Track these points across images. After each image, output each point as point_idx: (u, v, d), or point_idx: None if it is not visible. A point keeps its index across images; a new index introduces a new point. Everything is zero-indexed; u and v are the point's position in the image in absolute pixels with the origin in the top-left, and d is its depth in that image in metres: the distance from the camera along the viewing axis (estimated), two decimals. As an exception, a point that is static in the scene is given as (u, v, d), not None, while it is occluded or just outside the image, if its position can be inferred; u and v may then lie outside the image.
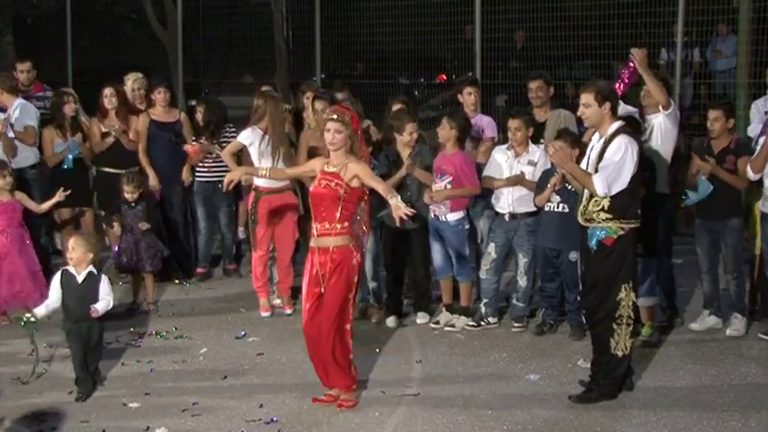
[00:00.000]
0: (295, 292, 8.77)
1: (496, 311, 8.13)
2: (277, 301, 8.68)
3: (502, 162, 7.96)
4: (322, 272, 6.21)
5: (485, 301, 8.10)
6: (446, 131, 7.97)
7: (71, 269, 6.66)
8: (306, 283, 6.34)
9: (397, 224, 6.20)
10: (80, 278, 6.62)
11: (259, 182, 8.34)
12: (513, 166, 7.89)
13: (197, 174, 9.48)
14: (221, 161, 9.30)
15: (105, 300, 6.62)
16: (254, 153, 8.23)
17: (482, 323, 8.05)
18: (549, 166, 7.79)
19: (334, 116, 6.20)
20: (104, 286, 6.66)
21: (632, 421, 6.09)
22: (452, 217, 7.98)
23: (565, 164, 6.46)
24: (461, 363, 7.22)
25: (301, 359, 6.80)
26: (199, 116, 9.44)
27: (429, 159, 8.07)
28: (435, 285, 8.55)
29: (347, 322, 6.30)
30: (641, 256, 7.31)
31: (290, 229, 8.51)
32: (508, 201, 7.92)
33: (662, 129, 7.59)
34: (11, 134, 9.10)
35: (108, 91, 9.40)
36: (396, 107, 8.41)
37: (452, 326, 8.02)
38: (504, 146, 8.10)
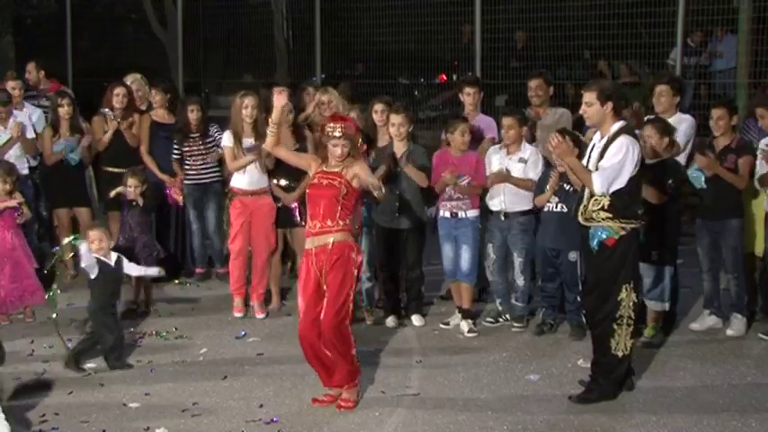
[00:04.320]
0: (283, 293, 8.82)
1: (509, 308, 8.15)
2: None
3: (494, 161, 7.97)
4: (318, 269, 6.20)
5: (498, 300, 8.13)
6: (464, 138, 7.94)
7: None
8: (302, 286, 6.32)
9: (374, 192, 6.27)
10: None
11: (235, 183, 8.39)
12: (504, 164, 7.89)
13: (186, 177, 9.41)
14: (209, 164, 9.25)
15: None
16: (229, 153, 8.38)
17: (500, 320, 8.10)
18: (540, 163, 7.83)
19: (338, 133, 6.22)
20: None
21: (632, 421, 6.08)
22: (471, 214, 7.97)
23: (566, 157, 6.45)
24: (461, 363, 7.22)
25: (302, 359, 6.79)
26: (191, 116, 9.21)
27: (424, 159, 8.05)
28: (428, 286, 8.56)
29: (346, 317, 6.24)
30: (655, 263, 7.34)
31: (265, 233, 8.44)
32: (501, 199, 7.92)
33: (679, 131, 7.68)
34: (31, 135, 9.17)
35: (120, 90, 9.40)
36: (378, 106, 8.32)
37: (472, 331, 7.95)
38: (498, 145, 8.12)
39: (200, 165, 9.32)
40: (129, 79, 9.83)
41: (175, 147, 9.35)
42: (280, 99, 6.50)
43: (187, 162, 9.34)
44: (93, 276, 7.15)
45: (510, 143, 7.89)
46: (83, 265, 7.19)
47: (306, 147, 8.28)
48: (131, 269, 7.59)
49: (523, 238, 7.91)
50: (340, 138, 6.22)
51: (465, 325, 7.94)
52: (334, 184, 6.19)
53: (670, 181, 7.38)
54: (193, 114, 9.22)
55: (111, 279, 7.26)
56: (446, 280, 8.52)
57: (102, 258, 7.16)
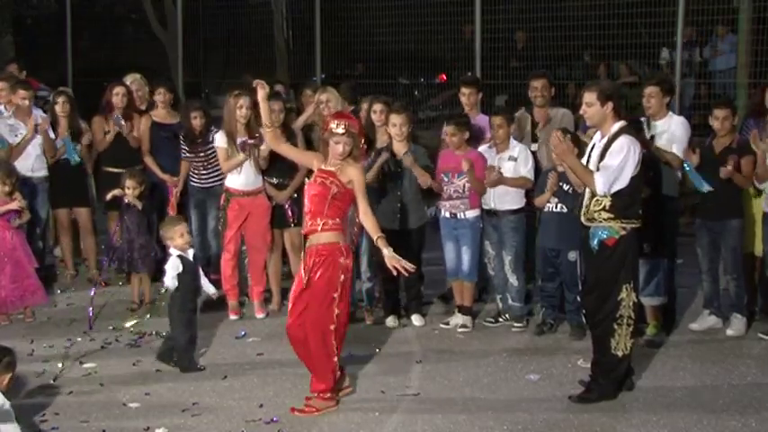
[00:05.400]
0: (283, 293, 8.77)
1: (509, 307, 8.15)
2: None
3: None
4: (304, 267, 6.22)
5: (499, 296, 8.12)
6: (452, 139, 7.94)
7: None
8: (294, 284, 6.38)
9: (394, 273, 6.34)
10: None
11: (231, 183, 8.36)
12: (495, 164, 7.89)
13: (191, 179, 9.33)
14: (213, 168, 9.18)
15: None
16: (222, 154, 8.37)
17: (500, 319, 8.09)
18: (530, 159, 7.85)
19: (342, 129, 6.21)
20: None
21: (632, 421, 6.08)
22: (471, 214, 7.97)
23: (566, 157, 6.45)
24: (461, 363, 7.21)
25: (301, 359, 6.79)
26: (195, 122, 9.03)
27: (425, 160, 8.05)
28: (428, 286, 8.58)
29: (330, 323, 6.21)
30: (648, 257, 7.33)
31: (261, 233, 8.41)
32: (491, 197, 7.93)
33: (671, 134, 7.65)
34: (51, 134, 9.17)
35: (120, 89, 9.37)
36: (376, 106, 8.30)
37: (465, 326, 7.99)
38: (487, 145, 8.13)
39: (202, 170, 9.24)
40: (128, 79, 9.81)
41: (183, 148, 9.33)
42: (260, 92, 6.52)
43: (192, 168, 9.31)
44: (173, 277, 7.05)
45: (500, 142, 7.91)
46: (168, 284, 7.09)
47: (296, 144, 8.27)
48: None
49: (513, 237, 7.92)
50: (343, 135, 6.20)
51: (460, 319, 7.96)
52: (325, 184, 6.20)
53: (651, 173, 7.39)
54: (197, 121, 9.03)
55: (192, 274, 7.17)
56: (448, 279, 8.49)
57: (183, 255, 7.12)
